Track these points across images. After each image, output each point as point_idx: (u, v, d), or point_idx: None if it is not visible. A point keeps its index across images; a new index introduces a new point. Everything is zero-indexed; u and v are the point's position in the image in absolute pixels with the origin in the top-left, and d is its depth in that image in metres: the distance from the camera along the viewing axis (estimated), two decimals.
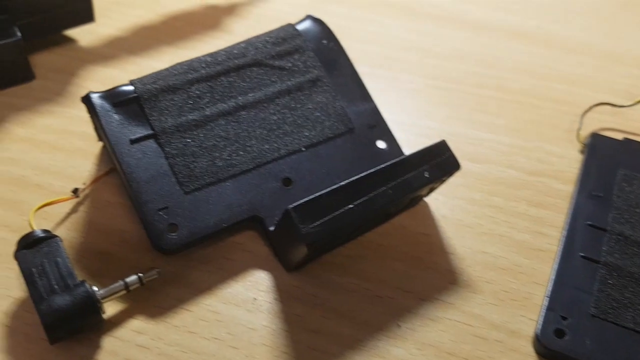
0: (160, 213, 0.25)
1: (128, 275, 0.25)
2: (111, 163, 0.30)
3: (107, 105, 0.26)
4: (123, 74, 0.35)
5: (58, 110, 0.33)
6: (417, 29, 0.40)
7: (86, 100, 0.27)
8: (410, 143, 0.32)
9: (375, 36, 0.39)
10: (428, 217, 0.29)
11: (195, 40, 0.38)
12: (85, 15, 0.35)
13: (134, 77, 0.35)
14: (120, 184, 0.29)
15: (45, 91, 0.34)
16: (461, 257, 0.27)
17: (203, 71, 0.28)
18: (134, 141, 0.26)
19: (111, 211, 0.28)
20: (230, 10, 0.41)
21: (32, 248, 0.24)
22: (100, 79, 0.35)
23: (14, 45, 0.31)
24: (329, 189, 0.23)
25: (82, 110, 0.33)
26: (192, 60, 0.29)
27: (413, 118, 0.34)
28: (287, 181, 0.27)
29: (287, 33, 0.30)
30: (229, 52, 0.29)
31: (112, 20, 0.39)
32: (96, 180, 0.29)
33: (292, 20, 0.32)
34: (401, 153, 0.29)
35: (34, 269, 0.23)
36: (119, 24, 0.39)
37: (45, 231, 0.25)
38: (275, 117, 0.28)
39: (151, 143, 0.26)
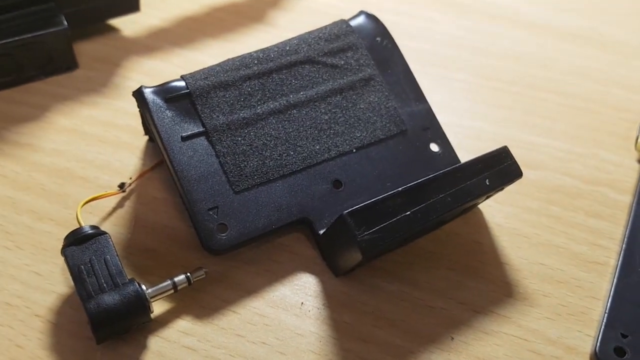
0: (211, 213, 0.24)
1: (174, 274, 0.24)
2: (157, 158, 0.30)
3: (159, 101, 0.26)
4: (168, 66, 0.35)
5: (102, 101, 0.33)
6: (468, 26, 0.39)
7: (138, 94, 0.26)
8: (462, 145, 0.31)
9: (425, 32, 0.38)
10: (482, 225, 0.28)
11: (240, 33, 0.37)
12: (131, 4, 0.35)
13: (178, 69, 0.35)
14: (166, 179, 0.29)
15: (88, 81, 0.34)
16: (517, 268, 0.26)
17: (255, 68, 0.27)
18: (185, 138, 0.25)
19: (157, 207, 0.28)
20: (274, 2, 0.40)
21: (80, 244, 0.23)
22: (145, 70, 0.35)
23: (61, 34, 0.31)
24: (386, 195, 0.23)
25: (126, 102, 0.33)
26: (243, 56, 0.28)
27: (464, 119, 0.33)
28: (337, 183, 0.26)
29: (341, 30, 0.29)
30: (280, 48, 0.28)
31: (156, 11, 0.38)
32: (142, 175, 0.29)
33: (338, 13, 0.31)
34: (455, 157, 0.28)
35: (82, 266, 0.23)
36: (163, 14, 0.38)
37: (93, 227, 0.24)
38: (326, 117, 0.27)
39: (202, 140, 0.25)
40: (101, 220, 0.27)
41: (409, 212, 0.22)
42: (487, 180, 0.24)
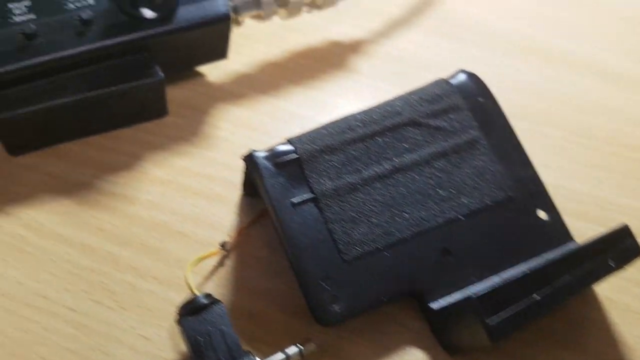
0: (322, 283, 0.24)
1: (283, 344, 0.24)
2: (252, 213, 0.30)
3: (270, 167, 0.26)
4: (255, 114, 0.35)
5: (194, 151, 0.33)
6: (553, 76, 0.38)
7: (250, 160, 0.26)
8: (561, 209, 0.30)
9: (510, 82, 0.38)
10: (593, 300, 0.27)
11: (322, 80, 0.37)
12: (220, 52, 0.35)
13: (266, 117, 0.35)
14: (263, 237, 0.29)
15: (178, 129, 0.34)
16: (631, 347, 0.26)
17: (359, 130, 0.27)
18: (295, 205, 0.25)
19: (258, 267, 0.28)
20: (354, 47, 0.39)
21: (195, 314, 0.23)
22: (232, 119, 0.35)
23: (156, 83, 0.31)
24: (513, 277, 0.22)
25: (217, 153, 0.33)
26: (346, 118, 0.28)
27: (558, 179, 0.32)
28: (445, 252, 0.26)
29: (443, 90, 0.29)
30: (383, 110, 0.28)
31: (238, 55, 0.38)
32: (241, 233, 0.29)
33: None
34: (564, 226, 0.27)
35: (199, 338, 0.23)
36: (245, 59, 0.38)
37: (207, 296, 0.24)
38: (431, 182, 0.27)
39: (311, 207, 0.25)
40: (203, 281, 0.27)
41: (538, 298, 0.21)
42: (611, 262, 0.23)
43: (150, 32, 0.30)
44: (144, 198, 0.30)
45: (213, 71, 0.37)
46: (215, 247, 0.28)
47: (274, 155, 0.26)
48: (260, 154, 0.26)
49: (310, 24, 0.39)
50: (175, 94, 0.36)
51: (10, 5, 0.29)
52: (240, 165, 0.28)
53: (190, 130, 0.34)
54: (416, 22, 0.40)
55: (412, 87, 0.37)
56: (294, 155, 0.26)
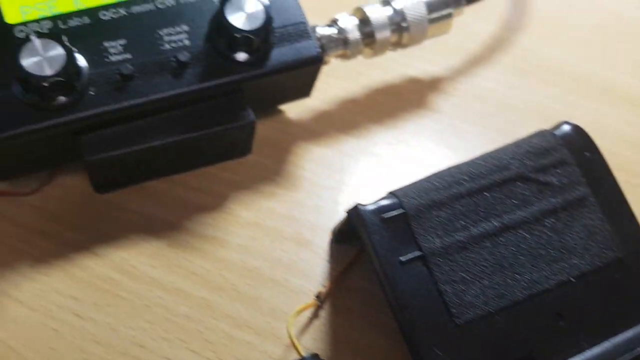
0: (435, 349, 0.23)
1: None
2: (343, 261, 0.29)
3: (377, 222, 0.25)
4: (337, 154, 0.34)
5: (279, 192, 0.32)
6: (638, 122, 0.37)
7: (355, 214, 0.25)
8: None
9: (596, 129, 0.36)
10: None
11: (402, 119, 0.37)
12: (305, 91, 0.34)
13: (349, 159, 0.34)
14: (355, 288, 0.28)
15: (262, 169, 0.33)
16: None
17: (466, 184, 0.26)
18: (403, 263, 0.24)
19: (356, 320, 0.27)
20: (433, 85, 0.39)
21: None
22: (314, 158, 0.34)
23: (249, 126, 0.31)
24: (621, 344, 0.21)
25: (302, 195, 0.32)
26: (450, 170, 0.27)
27: None
28: (558, 316, 0.25)
29: (549, 143, 0.28)
30: (489, 162, 0.27)
31: (317, 92, 0.37)
32: (336, 283, 0.28)
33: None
34: None
35: None
36: (322, 95, 0.37)
37: (315, 356, 0.24)
38: (542, 241, 0.26)
39: (420, 266, 0.25)
40: (299, 333, 0.27)
41: None
42: None
43: (246, 75, 0.30)
44: (234, 241, 0.30)
45: (293, 108, 0.36)
46: (310, 298, 0.27)
47: (380, 210, 0.25)
48: (367, 207, 0.25)
49: (388, 59, 0.39)
50: (256, 131, 0.36)
51: (106, 44, 0.28)
52: (327, 208, 0.28)
53: (273, 170, 0.33)
54: (496, 60, 0.40)
55: (494, 128, 0.36)
56: (401, 210, 0.25)
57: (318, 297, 0.27)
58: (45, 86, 0.26)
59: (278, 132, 0.35)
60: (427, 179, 0.27)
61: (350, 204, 0.26)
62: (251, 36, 0.29)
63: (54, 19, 0.28)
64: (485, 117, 0.37)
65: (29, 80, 0.25)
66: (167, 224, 0.30)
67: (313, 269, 0.29)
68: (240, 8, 0.29)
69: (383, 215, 0.25)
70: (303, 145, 0.35)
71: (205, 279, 0.28)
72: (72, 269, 0.28)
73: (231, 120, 0.30)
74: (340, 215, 0.30)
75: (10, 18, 0.28)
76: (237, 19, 0.28)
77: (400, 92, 0.38)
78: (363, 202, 0.26)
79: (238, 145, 0.33)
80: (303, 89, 0.34)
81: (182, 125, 0.29)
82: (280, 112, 0.36)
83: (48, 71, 0.25)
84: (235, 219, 0.31)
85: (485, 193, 0.26)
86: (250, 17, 0.29)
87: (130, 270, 0.28)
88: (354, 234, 0.26)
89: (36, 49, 0.26)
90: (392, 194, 0.26)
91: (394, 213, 0.25)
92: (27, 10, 0.28)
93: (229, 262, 0.29)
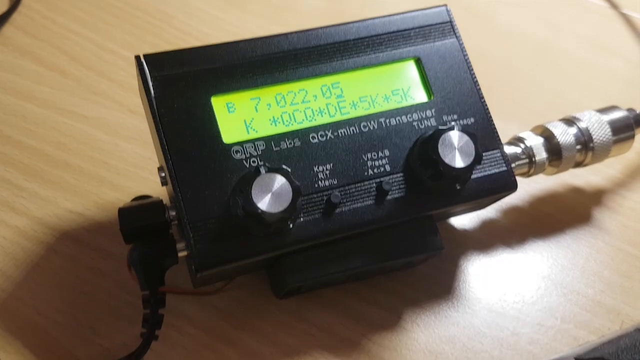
0: None
1: None
2: None
3: None
4: (501, 272, 0.34)
5: (452, 314, 0.32)
6: None
7: None
8: None
9: None
10: None
11: (570, 235, 0.36)
12: (482, 206, 0.34)
13: (511, 275, 0.33)
14: None
15: (430, 282, 0.33)
16: None
17: None
18: None
19: None
20: (597, 199, 0.38)
21: None
22: (483, 275, 0.34)
23: (438, 254, 0.31)
24: None
25: (476, 319, 0.32)
26: None
27: None
28: None
29: None
30: None
31: None
32: None
33: None
34: None
35: None
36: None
37: None
38: None
39: None
40: None
41: None
42: None
43: (445, 205, 0.29)
44: None
45: (460, 218, 0.36)
46: None
47: None
48: None
49: None
50: None
51: (316, 169, 0.28)
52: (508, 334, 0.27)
53: (442, 285, 0.33)
54: None
55: None
56: None
57: None
58: (271, 222, 0.26)
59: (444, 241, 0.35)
60: None
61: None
62: (460, 174, 0.28)
63: (267, 140, 0.28)
64: None
65: (261, 217, 0.25)
66: (344, 340, 0.30)
67: None
68: (452, 145, 0.28)
69: None
70: (471, 258, 0.34)
71: None
72: None
73: (424, 248, 0.30)
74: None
75: (227, 138, 0.28)
76: (449, 156, 0.28)
77: (565, 203, 0.37)
78: None
79: (416, 263, 0.32)
80: (482, 206, 0.34)
81: (377, 251, 0.29)
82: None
83: (277, 208, 0.25)
84: (414, 344, 0.31)
85: None
86: (461, 153, 0.28)
87: None
88: None
89: (265, 184, 0.26)
90: None
91: None
92: (240, 130, 0.28)
93: None
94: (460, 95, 0.31)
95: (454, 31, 0.32)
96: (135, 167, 0.35)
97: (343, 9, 0.46)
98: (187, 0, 0.44)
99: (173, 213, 0.27)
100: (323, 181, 0.28)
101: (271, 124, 0.28)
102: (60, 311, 0.30)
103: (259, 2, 0.45)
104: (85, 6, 0.42)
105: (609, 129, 0.34)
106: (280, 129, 0.28)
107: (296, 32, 0.30)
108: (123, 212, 0.27)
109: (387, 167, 0.29)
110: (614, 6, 0.50)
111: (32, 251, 0.32)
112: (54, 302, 0.30)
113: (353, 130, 0.29)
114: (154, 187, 0.34)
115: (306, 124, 0.29)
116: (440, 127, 0.28)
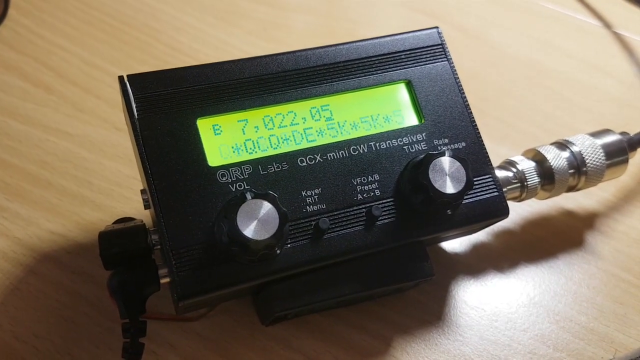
0: None
1: None
2: None
3: None
4: (494, 299, 0.33)
5: (443, 341, 0.31)
6: None
7: None
8: None
9: None
10: None
11: (561, 260, 0.35)
12: (473, 231, 0.33)
13: (507, 306, 0.32)
14: None
15: (421, 309, 0.32)
16: None
17: None
18: None
19: None
20: (589, 223, 0.37)
21: None
22: (475, 300, 0.33)
23: (428, 280, 0.30)
24: None
25: (465, 347, 0.31)
26: None
27: None
28: None
29: None
30: None
31: None
32: None
33: None
34: None
35: None
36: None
37: None
38: None
39: None
40: None
41: None
42: None
43: (436, 230, 0.29)
44: None
45: (451, 242, 0.35)
46: None
47: None
48: None
49: None
50: None
51: (304, 193, 0.28)
52: None
53: (432, 312, 0.32)
54: None
55: None
56: None
57: None
58: (257, 249, 0.25)
59: (436, 266, 0.34)
60: None
61: None
62: (451, 200, 0.28)
63: (254, 163, 0.27)
64: None
65: (246, 244, 0.24)
66: None
67: None
68: (442, 171, 0.28)
69: None
70: (460, 282, 0.34)
71: None
72: None
73: (414, 275, 0.29)
74: None
75: (213, 161, 0.27)
76: (440, 182, 0.27)
77: (557, 227, 0.37)
78: None
79: (406, 289, 0.32)
80: (473, 231, 0.33)
81: (367, 278, 0.28)
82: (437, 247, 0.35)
83: (263, 235, 0.25)
84: None
85: None
86: (452, 179, 0.28)
87: None
88: None
89: (251, 210, 0.25)
90: None
91: None
92: (226, 152, 0.27)
93: None
94: (451, 119, 0.30)
95: (445, 54, 0.31)
96: (120, 187, 0.34)
97: (334, 25, 0.46)
98: (177, 15, 0.44)
99: (156, 237, 0.27)
100: (311, 206, 0.27)
101: (258, 147, 0.28)
102: (39, 336, 0.29)
103: (249, 18, 0.45)
104: (74, 21, 0.42)
105: (602, 153, 0.34)
106: (268, 152, 0.28)
107: (285, 54, 0.29)
108: (103, 236, 0.26)
109: (377, 192, 0.28)
110: (608, 26, 0.50)
111: (11, 273, 0.31)
112: (33, 327, 0.29)
113: (342, 153, 0.29)
114: (137, 207, 0.34)
115: (294, 147, 0.28)
116: (431, 152, 0.28)
